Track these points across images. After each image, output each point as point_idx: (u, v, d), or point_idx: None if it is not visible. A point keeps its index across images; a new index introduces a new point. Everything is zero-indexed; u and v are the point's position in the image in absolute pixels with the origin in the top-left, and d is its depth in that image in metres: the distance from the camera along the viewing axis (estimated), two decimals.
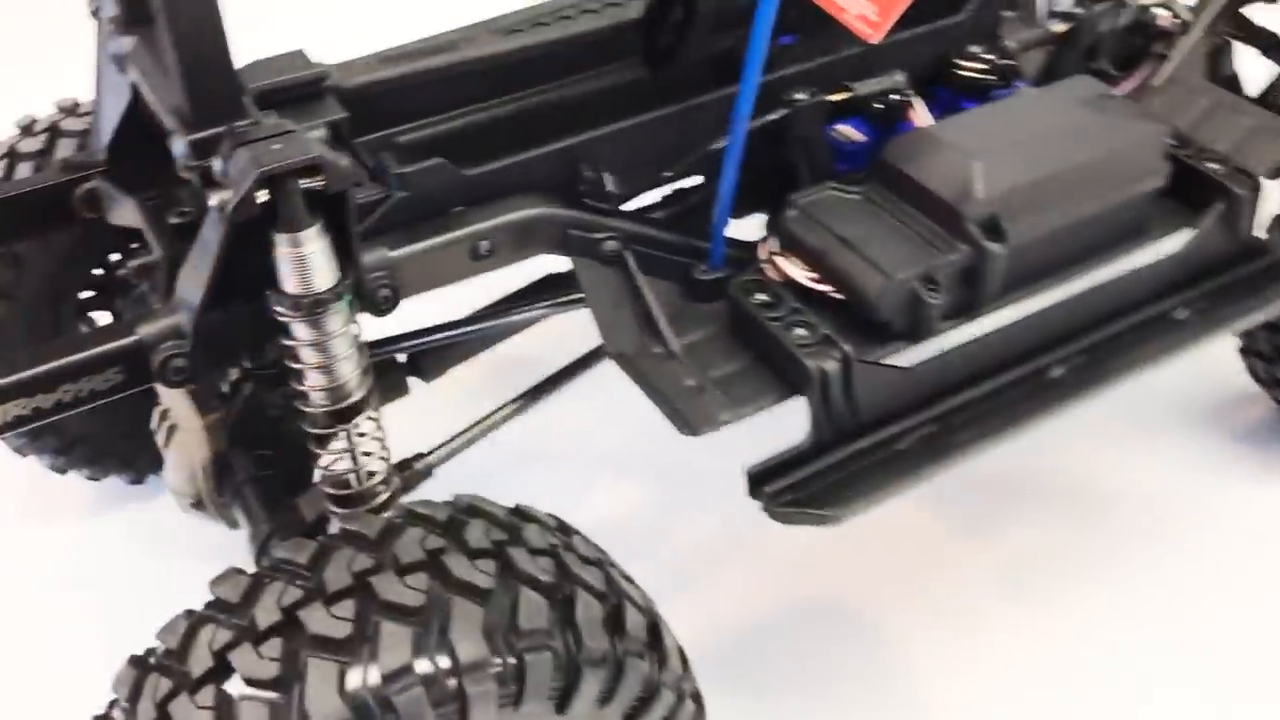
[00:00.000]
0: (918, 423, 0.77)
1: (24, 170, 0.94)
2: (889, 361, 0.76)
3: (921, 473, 0.75)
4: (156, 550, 1.12)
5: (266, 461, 0.83)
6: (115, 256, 1.03)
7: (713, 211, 0.79)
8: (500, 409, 0.88)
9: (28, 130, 0.98)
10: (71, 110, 0.99)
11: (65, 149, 0.95)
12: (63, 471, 1.10)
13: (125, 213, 0.81)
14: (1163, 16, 1.01)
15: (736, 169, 0.77)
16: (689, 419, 0.72)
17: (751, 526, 1.05)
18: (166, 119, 0.68)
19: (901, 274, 0.75)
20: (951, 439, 0.77)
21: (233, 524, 0.85)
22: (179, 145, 0.65)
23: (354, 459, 0.72)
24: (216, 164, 0.64)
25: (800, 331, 0.75)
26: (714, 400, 0.74)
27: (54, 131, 0.97)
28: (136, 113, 0.79)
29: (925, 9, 0.90)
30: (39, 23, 1.89)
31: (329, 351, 0.67)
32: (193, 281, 0.66)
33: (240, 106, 0.65)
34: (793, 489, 0.73)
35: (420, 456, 0.84)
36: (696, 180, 0.88)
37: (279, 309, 0.65)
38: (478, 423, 0.87)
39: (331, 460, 0.73)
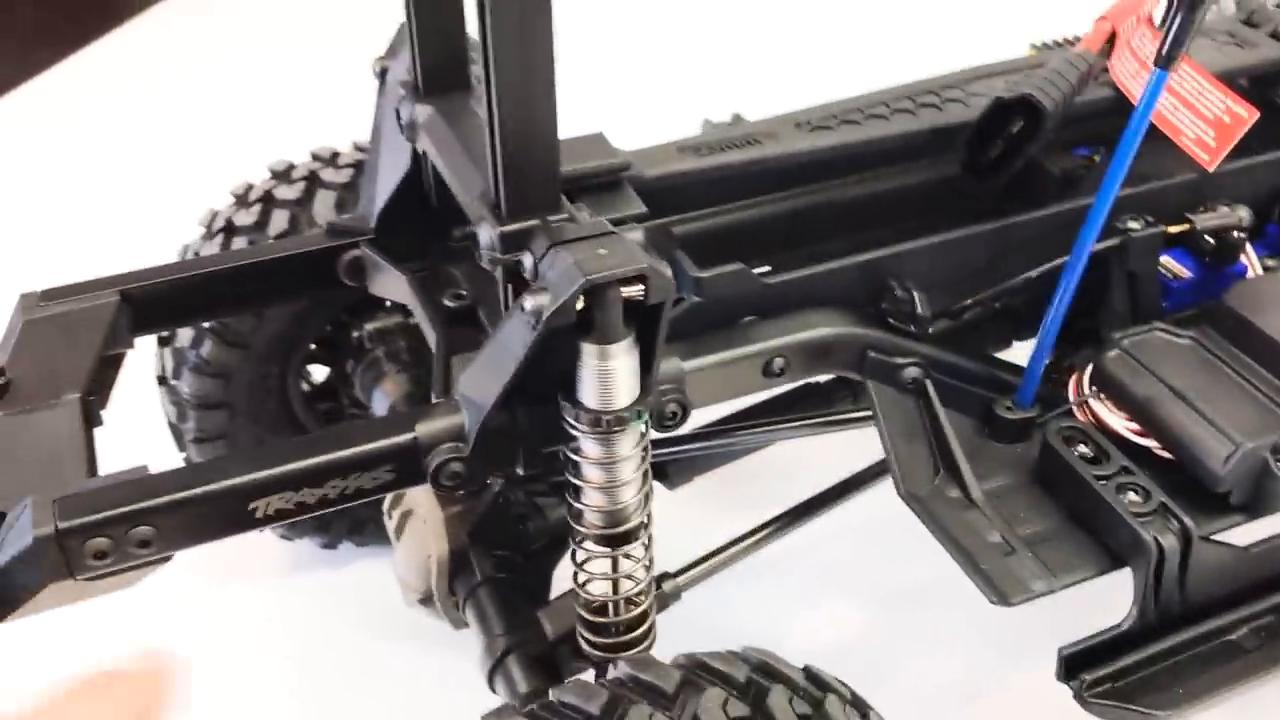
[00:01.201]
0: (1254, 612, 0.68)
1: (279, 219, 0.91)
2: (1227, 539, 0.67)
3: (1262, 672, 0.65)
4: (343, 619, 1.07)
5: (505, 564, 0.77)
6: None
7: (1033, 344, 0.71)
8: (759, 530, 0.81)
9: (284, 176, 0.95)
10: (330, 161, 0.96)
11: (323, 202, 0.91)
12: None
13: (391, 285, 0.76)
14: None
15: (1069, 302, 0.69)
16: (1000, 586, 0.64)
17: (995, 671, 0.97)
18: (468, 203, 0.62)
19: (1251, 443, 0.66)
20: None
21: (460, 625, 0.79)
22: (486, 235, 0.60)
23: (615, 587, 0.66)
24: (527, 260, 0.58)
25: (1133, 497, 0.66)
26: (1025, 565, 0.65)
27: (312, 180, 0.93)
28: (415, 181, 0.75)
29: (1265, 137, 0.81)
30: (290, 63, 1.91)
31: (615, 473, 0.61)
32: (483, 381, 0.60)
33: (557, 198, 0.60)
34: (1113, 678, 0.64)
35: (667, 576, 0.77)
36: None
37: (573, 422, 0.59)
38: (734, 542, 0.80)
39: (589, 579, 0.67)
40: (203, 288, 0.74)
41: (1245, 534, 0.70)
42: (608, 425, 0.58)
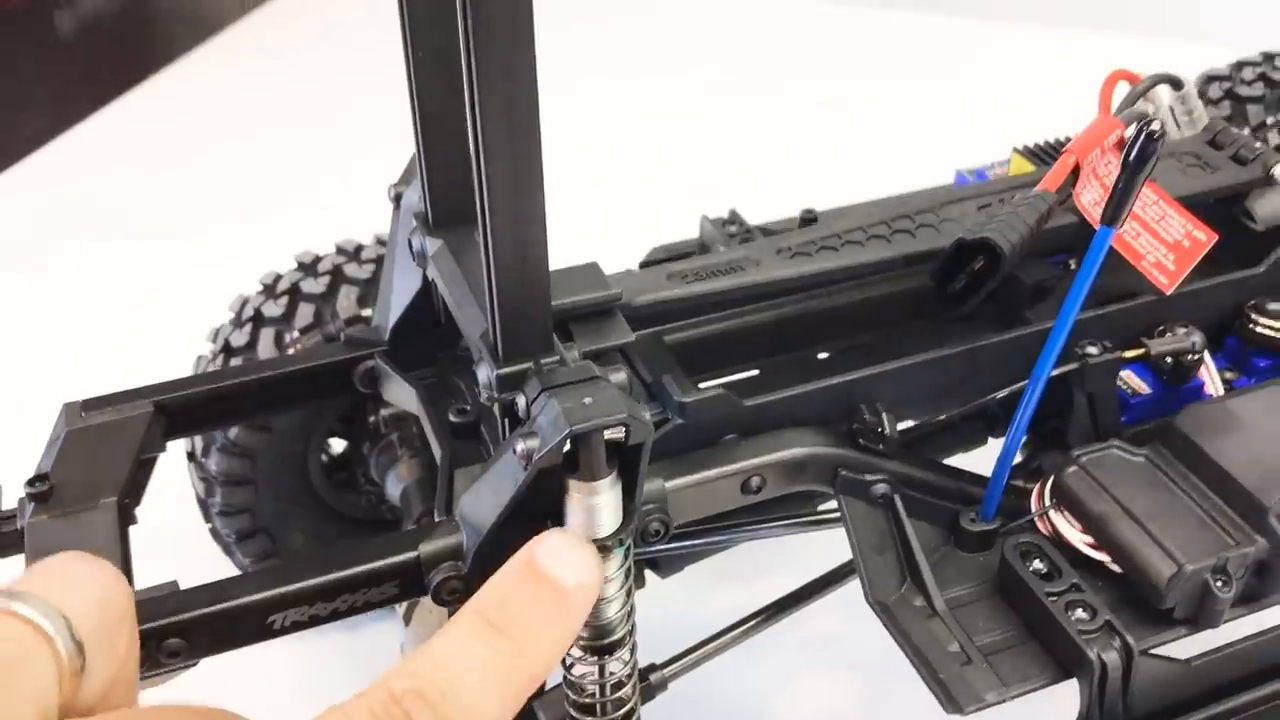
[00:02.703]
0: None
1: (304, 312, 0.98)
2: (1168, 653, 0.72)
3: None
4: (360, 680, 1.13)
5: None
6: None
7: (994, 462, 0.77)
8: (746, 620, 0.86)
9: (310, 269, 1.02)
10: (354, 255, 1.02)
11: (346, 296, 0.98)
12: None
13: (402, 395, 0.82)
14: None
15: (1026, 428, 0.74)
16: (954, 695, 0.69)
17: None
18: (471, 340, 0.69)
19: (1193, 565, 0.71)
20: None
21: None
22: (484, 374, 0.66)
23: (602, 690, 0.71)
24: (521, 401, 0.64)
25: (1081, 614, 0.71)
26: (980, 675, 0.71)
27: (336, 275, 1.00)
28: (425, 300, 0.81)
29: (1224, 259, 0.86)
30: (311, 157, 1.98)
31: (600, 593, 0.66)
32: (480, 506, 0.66)
33: (549, 343, 0.66)
34: None
35: (654, 668, 0.83)
36: None
37: None
38: (720, 634, 0.85)
39: (578, 678, 0.72)
40: (230, 398, 0.80)
41: (1197, 644, 0.75)
42: None
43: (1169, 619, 0.73)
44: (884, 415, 0.76)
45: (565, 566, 0.50)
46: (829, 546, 0.91)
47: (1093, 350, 0.79)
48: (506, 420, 0.67)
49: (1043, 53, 2.18)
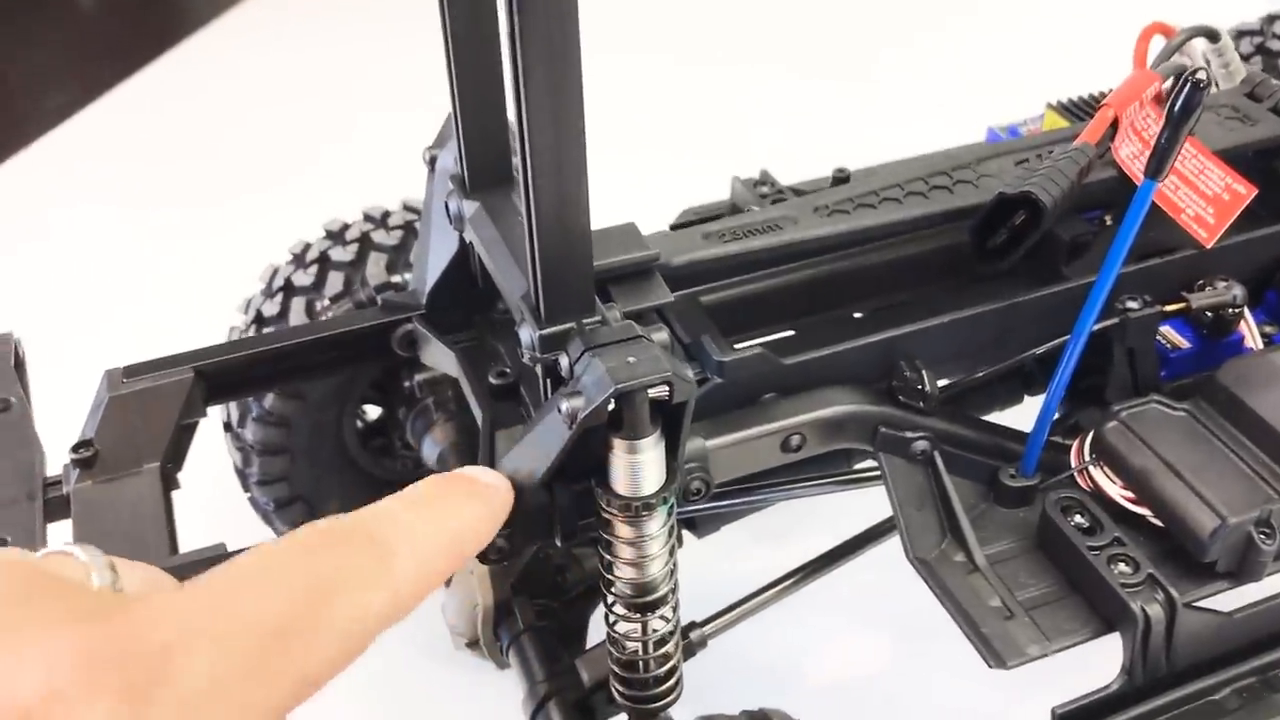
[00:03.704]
0: (1237, 674, 0.73)
1: (334, 281, 0.98)
2: (1211, 605, 0.72)
3: None
4: (396, 645, 1.14)
5: (546, 612, 0.84)
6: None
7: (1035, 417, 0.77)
8: (785, 578, 0.87)
9: (338, 237, 1.02)
10: (381, 222, 1.02)
11: (375, 264, 0.98)
12: None
13: (440, 358, 0.83)
14: None
15: (1067, 383, 0.74)
16: (997, 649, 0.69)
17: (1013, 701, 1.02)
18: (512, 302, 0.69)
19: (1236, 518, 0.70)
20: (1273, 697, 0.72)
21: (503, 666, 0.86)
22: (527, 335, 0.66)
23: (645, 647, 0.72)
24: (564, 360, 0.64)
25: (1124, 568, 0.71)
26: (1022, 629, 0.71)
27: (364, 243, 1.00)
28: (463, 263, 0.81)
29: (1264, 212, 0.85)
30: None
31: (644, 549, 0.67)
32: (524, 466, 0.67)
33: (591, 303, 0.65)
34: None
35: (694, 625, 0.84)
36: None
37: (604, 506, 0.65)
38: (760, 591, 0.86)
39: (621, 635, 0.73)
40: (269, 362, 0.81)
41: (1239, 597, 0.75)
42: (636, 510, 0.64)
43: (1211, 572, 0.73)
44: (924, 372, 0.76)
45: (479, 473, 0.60)
46: (865, 505, 0.92)
47: (1133, 305, 0.79)
48: (549, 380, 0.67)
49: (1073, 8, 2.16)
